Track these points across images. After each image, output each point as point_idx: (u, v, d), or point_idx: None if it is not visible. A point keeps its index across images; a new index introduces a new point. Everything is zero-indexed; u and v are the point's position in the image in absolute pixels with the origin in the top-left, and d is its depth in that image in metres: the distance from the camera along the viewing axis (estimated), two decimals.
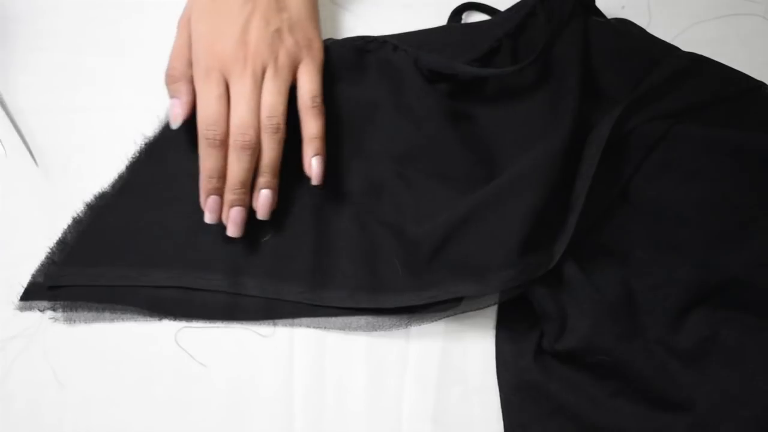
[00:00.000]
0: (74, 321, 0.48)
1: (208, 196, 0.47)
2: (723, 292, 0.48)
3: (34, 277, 0.48)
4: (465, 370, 0.49)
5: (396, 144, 0.50)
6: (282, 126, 0.47)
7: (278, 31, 0.48)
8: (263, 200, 0.48)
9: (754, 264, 0.48)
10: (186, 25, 0.48)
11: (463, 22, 0.55)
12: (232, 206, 0.47)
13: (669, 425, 0.46)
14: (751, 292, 0.48)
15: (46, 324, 0.47)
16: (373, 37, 0.53)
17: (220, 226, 0.49)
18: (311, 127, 0.48)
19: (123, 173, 0.50)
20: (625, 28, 0.53)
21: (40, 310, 0.48)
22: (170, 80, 0.48)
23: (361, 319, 0.49)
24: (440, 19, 0.55)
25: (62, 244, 0.48)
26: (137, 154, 0.50)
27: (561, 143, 0.48)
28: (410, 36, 0.53)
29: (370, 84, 0.52)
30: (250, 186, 0.48)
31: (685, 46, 0.53)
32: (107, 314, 0.48)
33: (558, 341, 0.47)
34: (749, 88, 0.52)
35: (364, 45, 0.52)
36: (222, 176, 0.47)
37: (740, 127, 0.50)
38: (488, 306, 0.49)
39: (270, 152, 0.47)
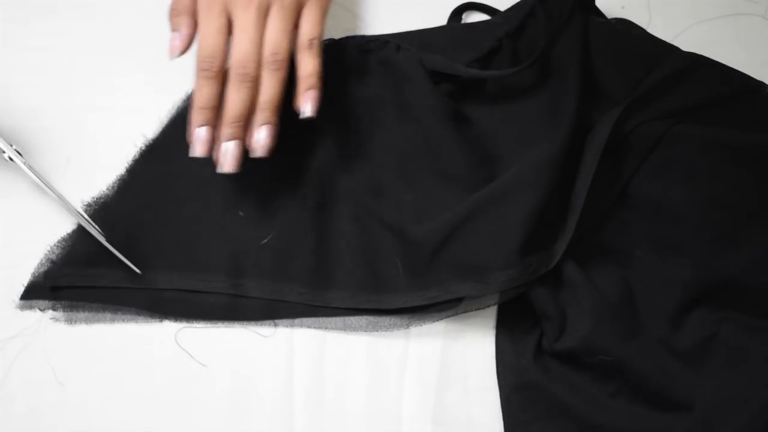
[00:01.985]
0: (75, 321, 0.48)
1: (198, 126, 0.45)
2: (723, 292, 0.48)
3: (34, 276, 0.48)
4: (465, 370, 0.49)
5: (397, 144, 0.50)
6: (284, 65, 0.45)
7: None
8: (262, 137, 0.46)
9: (754, 264, 0.48)
10: None
11: (463, 22, 0.55)
12: (228, 140, 0.45)
13: (669, 425, 0.46)
14: (751, 292, 0.48)
15: (46, 324, 0.47)
16: (374, 36, 0.53)
17: (221, 227, 0.49)
18: (306, 65, 0.46)
19: (123, 174, 0.50)
20: (625, 28, 0.53)
21: (41, 310, 0.47)
22: (173, 14, 0.46)
23: (362, 319, 0.49)
24: (440, 19, 0.55)
25: (62, 244, 0.48)
26: (137, 156, 0.50)
27: (561, 143, 0.48)
28: (410, 36, 0.53)
29: (371, 83, 0.52)
30: (246, 122, 0.46)
31: (685, 46, 0.53)
32: (107, 314, 0.48)
33: (558, 341, 0.47)
34: (749, 88, 0.52)
35: (365, 44, 0.52)
36: (214, 107, 0.45)
37: (740, 127, 0.50)
38: (488, 306, 0.49)
39: (270, 89, 0.45)
